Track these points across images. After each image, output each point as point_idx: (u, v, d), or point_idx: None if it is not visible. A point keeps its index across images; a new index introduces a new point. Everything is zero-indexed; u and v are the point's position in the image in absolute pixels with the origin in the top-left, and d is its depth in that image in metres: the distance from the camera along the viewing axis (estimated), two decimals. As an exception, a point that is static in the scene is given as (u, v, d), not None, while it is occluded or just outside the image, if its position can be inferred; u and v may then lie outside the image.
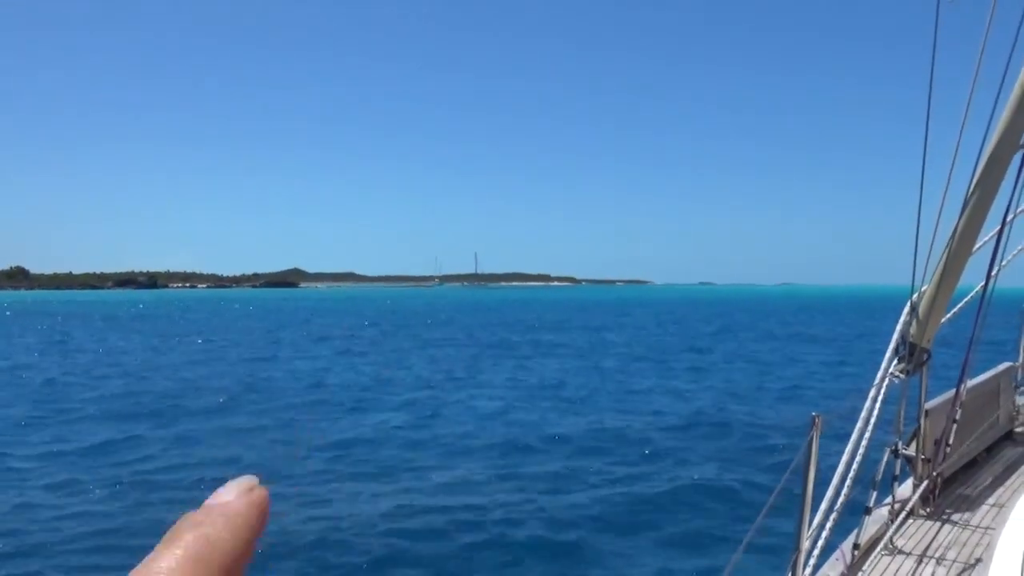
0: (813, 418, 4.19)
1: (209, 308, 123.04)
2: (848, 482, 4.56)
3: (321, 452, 17.33)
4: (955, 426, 6.16)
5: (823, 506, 4.44)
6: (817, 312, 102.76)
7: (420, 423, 20.84)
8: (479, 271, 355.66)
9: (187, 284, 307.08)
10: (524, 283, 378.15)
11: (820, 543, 4.42)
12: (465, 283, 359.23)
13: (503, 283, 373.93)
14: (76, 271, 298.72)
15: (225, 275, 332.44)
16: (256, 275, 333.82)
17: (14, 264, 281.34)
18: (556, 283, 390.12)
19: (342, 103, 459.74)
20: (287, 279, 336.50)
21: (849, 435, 4.66)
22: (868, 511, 5.24)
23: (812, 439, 4.13)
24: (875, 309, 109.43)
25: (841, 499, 4.53)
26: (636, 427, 19.91)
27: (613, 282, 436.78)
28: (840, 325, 71.76)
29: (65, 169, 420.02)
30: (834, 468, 4.49)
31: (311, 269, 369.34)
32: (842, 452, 4.58)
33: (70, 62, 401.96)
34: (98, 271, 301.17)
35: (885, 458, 5.43)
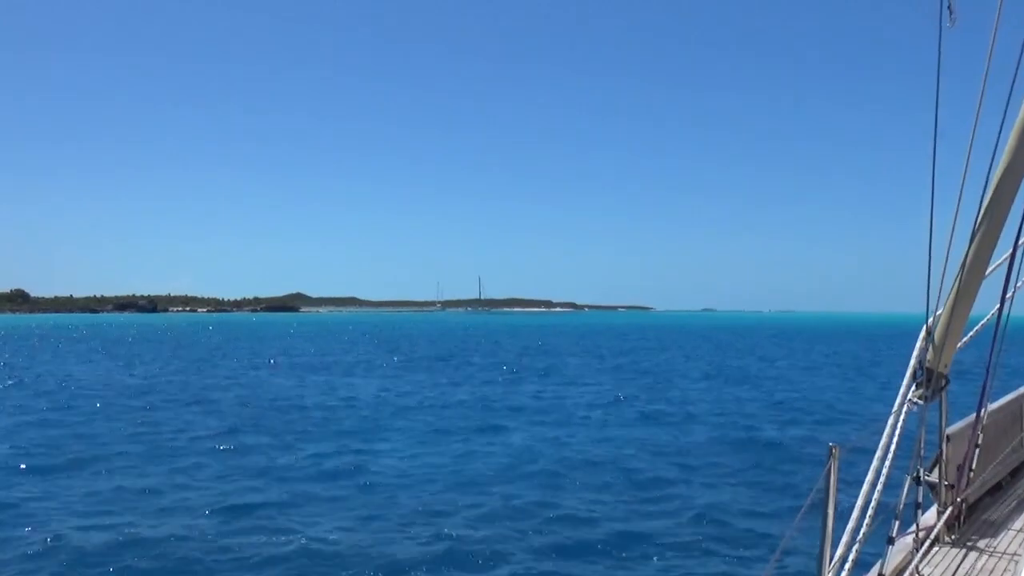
0: (830, 448, 4.11)
1: (182, 332, 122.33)
2: (870, 511, 4.43)
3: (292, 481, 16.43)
4: (977, 451, 5.91)
5: (845, 537, 4.31)
6: (817, 338, 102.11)
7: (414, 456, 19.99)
8: (483, 296, 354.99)
9: (187, 308, 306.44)
10: (526, 308, 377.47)
11: (843, 575, 4.37)
12: (468, 308, 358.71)
13: (505, 308, 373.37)
14: (77, 295, 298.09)
15: (226, 299, 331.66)
16: (257, 299, 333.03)
17: (14, 287, 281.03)
18: (558, 308, 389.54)
19: (344, 127, 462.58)
20: (288, 303, 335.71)
21: (868, 464, 4.54)
22: (891, 540, 5.13)
23: (830, 470, 4.06)
24: (876, 336, 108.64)
25: (863, 529, 4.39)
26: (646, 456, 19.19)
27: (615, 308, 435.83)
28: (842, 351, 71.08)
29: (66, 193, 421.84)
30: (853, 499, 4.40)
31: (313, 294, 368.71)
32: (860, 482, 4.49)
33: (70, 86, 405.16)
34: (99, 294, 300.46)
35: (906, 485, 5.28)
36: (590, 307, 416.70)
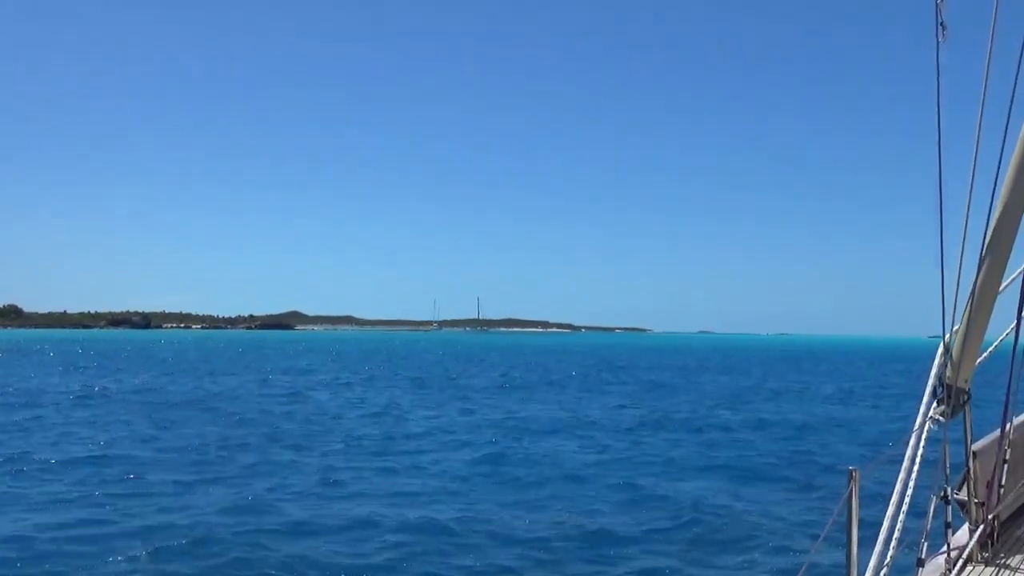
0: (850, 472, 4.01)
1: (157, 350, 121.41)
2: (896, 534, 4.27)
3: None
4: (1006, 466, 5.81)
5: (872, 561, 4.15)
6: (817, 361, 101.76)
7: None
8: (481, 316, 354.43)
9: (182, 325, 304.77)
10: (523, 329, 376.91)
11: None
12: (466, 328, 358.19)
13: (502, 328, 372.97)
14: (71, 310, 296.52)
15: (221, 316, 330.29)
16: (252, 316, 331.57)
17: (8, 302, 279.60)
18: (555, 329, 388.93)
19: (342, 146, 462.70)
20: (284, 321, 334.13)
21: (889, 486, 4.43)
22: (921, 563, 5.00)
23: (851, 494, 3.95)
24: (881, 359, 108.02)
25: (891, 553, 4.23)
26: (653, 477, 18.23)
27: (612, 329, 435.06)
28: (850, 374, 70.42)
29: (61, 208, 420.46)
30: (874, 522, 4.24)
31: (310, 312, 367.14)
32: (881, 505, 4.37)
33: (67, 103, 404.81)
34: (93, 310, 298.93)
35: (933, 505, 5.12)
36: (587, 328, 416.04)
